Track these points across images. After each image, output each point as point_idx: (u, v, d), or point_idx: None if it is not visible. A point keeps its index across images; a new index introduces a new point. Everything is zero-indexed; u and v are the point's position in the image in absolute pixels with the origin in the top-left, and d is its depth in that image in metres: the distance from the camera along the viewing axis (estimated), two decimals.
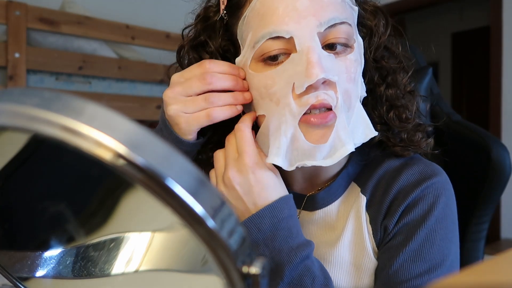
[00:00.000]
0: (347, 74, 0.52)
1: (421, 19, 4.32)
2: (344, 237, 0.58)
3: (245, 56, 0.55)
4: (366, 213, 0.58)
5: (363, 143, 0.57)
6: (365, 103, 0.59)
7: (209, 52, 0.60)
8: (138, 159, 0.19)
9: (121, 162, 0.19)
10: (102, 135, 0.19)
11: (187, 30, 0.63)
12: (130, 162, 0.19)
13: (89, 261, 0.32)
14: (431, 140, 0.63)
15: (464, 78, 4.59)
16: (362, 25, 0.59)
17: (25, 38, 1.81)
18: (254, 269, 0.22)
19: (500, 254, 0.19)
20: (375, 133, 0.56)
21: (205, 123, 0.54)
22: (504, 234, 2.82)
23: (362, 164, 0.63)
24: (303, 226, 0.61)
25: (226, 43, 0.59)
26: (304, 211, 0.63)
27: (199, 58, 0.60)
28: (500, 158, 0.76)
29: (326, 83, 0.51)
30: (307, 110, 0.51)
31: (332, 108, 0.51)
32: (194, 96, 0.55)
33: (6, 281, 0.33)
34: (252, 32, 0.53)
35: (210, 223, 0.20)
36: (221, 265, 0.21)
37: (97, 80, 2.05)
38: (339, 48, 0.53)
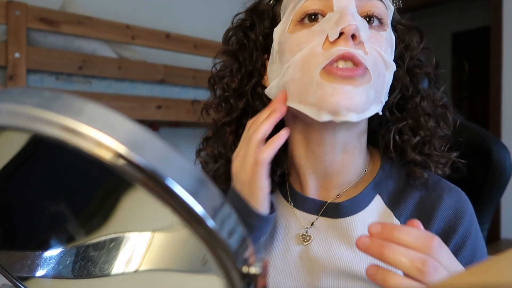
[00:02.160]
0: (378, 43, 0.54)
1: (421, 19, 4.31)
2: None
3: (284, 22, 0.58)
4: None
5: (383, 152, 0.62)
6: (395, 117, 0.62)
7: (255, 32, 0.64)
8: (138, 159, 0.19)
9: (121, 162, 0.19)
10: (102, 135, 0.19)
11: (236, 18, 0.67)
12: (130, 162, 0.19)
13: (89, 261, 0.32)
14: (455, 154, 0.63)
15: (464, 78, 4.58)
16: (395, 30, 0.61)
17: (25, 38, 1.81)
18: (254, 269, 0.22)
19: (500, 254, 0.19)
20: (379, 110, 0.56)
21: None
22: (504, 234, 2.82)
23: (386, 179, 0.62)
24: (320, 232, 0.61)
25: (270, 25, 0.62)
26: (323, 217, 0.62)
27: (245, 36, 0.64)
28: (501, 158, 0.76)
29: (356, 41, 0.52)
30: (333, 61, 0.52)
31: (364, 66, 0.52)
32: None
33: (6, 281, 0.33)
34: None
35: (210, 223, 0.20)
36: (221, 265, 0.21)
37: (97, 80, 2.04)
38: (374, 22, 0.56)
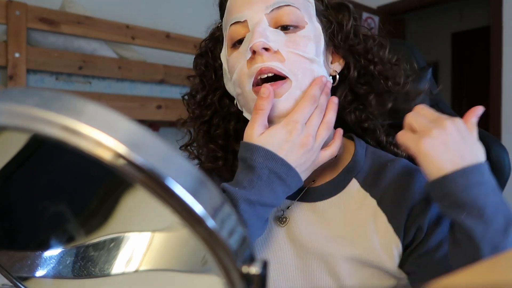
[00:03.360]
0: (295, 45, 0.60)
1: (421, 19, 4.32)
2: (351, 236, 0.60)
3: (224, 47, 0.67)
4: (383, 214, 0.60)
5: (359, 135, 0.69)
6: (362, 92, 0.68)
7: (213, 57, 0.74)
8: (138, 159, 0.19)
9: (121, 162, 0.19)
10: (102, 135, 0.19)
11: (202, 45, 0.78)
12: (130, 162, 0.19)
13: (89, 261, 0.32)
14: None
15: (464, 78, 4.59)
16: (324, 17, 0.66)
17: (25, 38, 1.81)
18: (254, 269, 0.22)
19: (500, 254, 0.19)
20: None
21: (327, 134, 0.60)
22: None
23: (362, 160, 0.66)
24: (299, 217, 0.63)
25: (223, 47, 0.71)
26: (300, 202, 0.64)
27: (206, 63, 0.75)
28: (499, 158, 0.76)
29: (270, 52, 0.59)
30: (257, 77, 0.59)
31: (282, 74, 0.59)
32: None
33: (6, 281, 0.33)
34: (225, 26, 0.66)
35: (210, 223, 0.20)
36: (221, 265, 0.21)
37: (97, 80, 2.05)
38: (288, 27, 0.61)
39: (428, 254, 0.58)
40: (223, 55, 0.68)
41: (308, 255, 0.61)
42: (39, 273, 0.33)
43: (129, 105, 2.06)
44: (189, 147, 0.77)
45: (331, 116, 0.61)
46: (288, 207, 0.64)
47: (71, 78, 1.97)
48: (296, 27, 0.62)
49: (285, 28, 0.61)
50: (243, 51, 0.62)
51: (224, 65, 0.68)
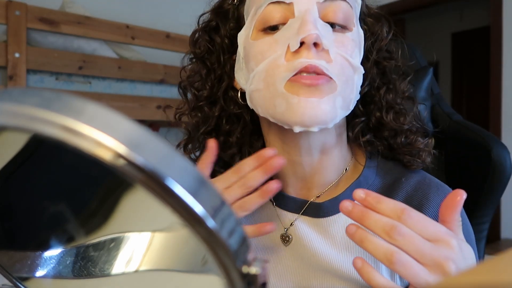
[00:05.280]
0: (343, 47, 0.53)
1: (421, 19, 4.31)
2: (355, 252, 0.56)
3: (247, 27, 0.57)
4: None
5: (366, 153, 0.62)
6: (365, 110, 0.61)
7: (219, 35, 0.62)
8: (138, 159, 0.19)
9: (121, 162, 0.19)
10: (102, 135, 0.19)
11: (202, 17, 0.65)
12: (130, 162, 0.19)
13: (89, 261, 0.32)
14: (427, 141, 0.62)
15: (464, 78, 4.58)
16: (364, 23, 0.60)
17: (25, 38, 1.81)
18: (254, 269, 0.22)
19: (500, 254, 0.19)
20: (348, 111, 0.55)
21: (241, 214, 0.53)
22: (504, 234, 2.82)
23: (373, 176, 0.61)
24: (302, 232, 0.60)
25: (235, 26, 0.61)
26: (304, 216, 0.61)
27: (210, 40, 0.62)
28: (501, 158, 0.76)
29: (319, 49, 0.51)
30: (297, 72, 0.51)
31: (328, 76, 0.51)
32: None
33: (6, 281, 0.33)
34: (256, 2, 0.56)
35: (210, 223, 0.20)
36: (221, 265, 0.21)
37: (97, 80, 2.05)
38: (335, 26, 0.54)
39: None
40: (242, 36, 0.58)
41: (311, 273, 0.58)
42: (39, 273, 0.33)
43: (129, 105, 2.06)
44: (189, 147, 0.66)
45: (253, 202, 0.52)
46: (291, 224, 0.61)
47: (71, 78, 1.97)
48: (344, 28, 0.55)
49: (331, 26, 0.54)
50: (282, 40, 0.52)
51: (240, 49, 0.58)
